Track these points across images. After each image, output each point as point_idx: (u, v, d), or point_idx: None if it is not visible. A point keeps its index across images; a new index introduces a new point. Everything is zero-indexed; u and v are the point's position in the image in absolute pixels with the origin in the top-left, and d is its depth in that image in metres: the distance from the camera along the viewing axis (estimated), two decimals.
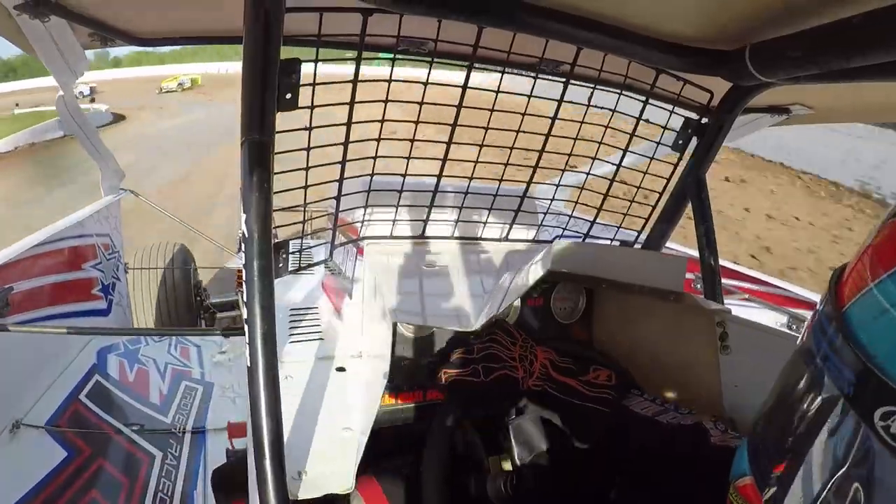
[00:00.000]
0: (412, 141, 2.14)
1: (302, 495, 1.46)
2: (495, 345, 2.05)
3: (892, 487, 0.75)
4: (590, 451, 1.91)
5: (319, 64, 1.78)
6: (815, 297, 3.63)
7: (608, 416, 1.91)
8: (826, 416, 0.83)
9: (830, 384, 0.83)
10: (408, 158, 2.20)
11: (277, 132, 1.51)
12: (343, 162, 2.07)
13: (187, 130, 28.22)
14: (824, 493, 0.83)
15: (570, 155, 2.38)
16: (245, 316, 1.47)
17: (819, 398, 0.86)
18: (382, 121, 2.05)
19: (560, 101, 2.21)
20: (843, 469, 0.80)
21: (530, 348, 2.07)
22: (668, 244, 2.83)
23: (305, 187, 2.03)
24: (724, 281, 2.76)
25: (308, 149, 1.92)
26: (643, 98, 2.33)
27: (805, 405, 0.90)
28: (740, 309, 3.86)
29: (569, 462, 1.92)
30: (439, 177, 2.28)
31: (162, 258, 5.81)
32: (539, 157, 2.33)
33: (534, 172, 2.41)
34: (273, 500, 1.39)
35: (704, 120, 2.43)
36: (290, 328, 2.48)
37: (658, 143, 2.48)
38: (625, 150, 2.43)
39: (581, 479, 1.93)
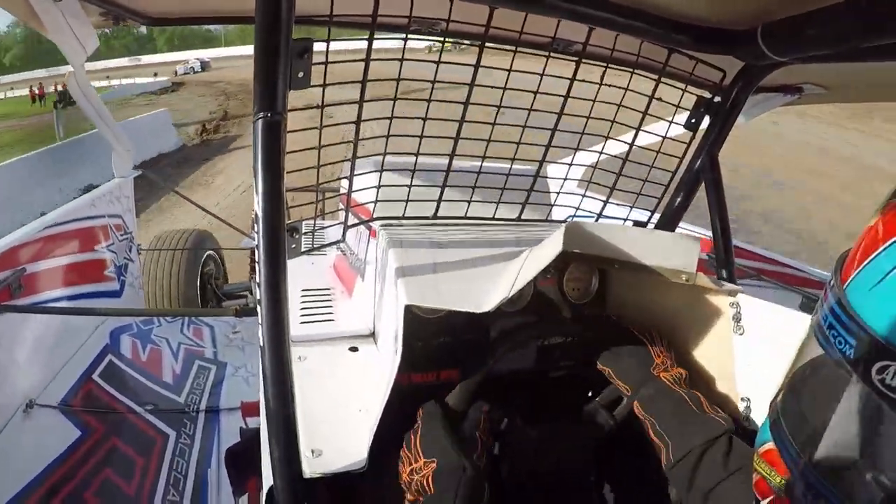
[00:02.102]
0: (424, 120, 2.14)
1: (314, 473, 1.47)
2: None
3: (892, 435, 0.88)
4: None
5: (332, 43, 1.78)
6: (829, 276, 3.62)
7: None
8: (834, 380, 0.95)
9: (834, 350, 0.95)
10: (420, 137, 2.19)
11: (289, 111, 1.51)
12: (355, 141, 2.07)
13: None
14: (835, 446, 0.95)
15: (582, 134, 2.37)
16: (258, 296, 1.47)
17: (827, 365, 0.99)
18: (395, 99, 2.05)
19: (572, 80, 2.20)
20: (852, 424, 0.93)
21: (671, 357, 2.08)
22: (681, 224, 2.82)
23: (318, 167, 2.03)
24: (737, 261, 2.75)
25: (320, 128, 1.92)
26: (655, 77, 2.32)
27: (817, 373, 1.04)
28: (754, 289, 3.87)
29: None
30: (451, 156, 2.28)
31: (176, 244, 5.82)
32: (552, 137, 2.33)
33: (546, 151, 2.40)
34: (286, 478, 1.40)
35: (717, 99, 2.42)
36: (303, 309, 2.49)
37: (671, 122, 2.47)
38: (637, 129, 2.42)
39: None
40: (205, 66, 70.89)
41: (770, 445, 1.11)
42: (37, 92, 51.23)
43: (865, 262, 0.93)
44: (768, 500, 1.12)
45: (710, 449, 1.62)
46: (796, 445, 1.02)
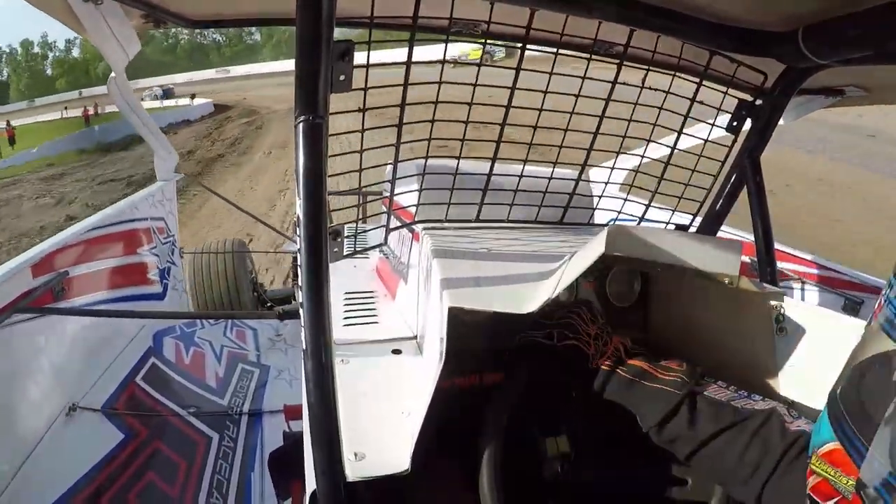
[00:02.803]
0: (466, 123, 2.14)
1: (358, 476, 1.47)
2: (575, 317, 2.06)
3: None
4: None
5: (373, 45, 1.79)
6: (872, 279, 3.59)
7: (677, 399, 1.91)
8: None
9: None
10: (462, 141, 2.20)
11: (331, 113, 1.52)
12: (397, 145, 2.08)
13: None
14: None
15: (624, 137, 2.37)
16: (300, 299, 1.48)
17: None
18: (436, 102, 2.05)
19: (614, 83, 2.20)
20: None
21: (607, 332, 2.07)
22: (724, 227, 2.81)
23: (360, 170, 2.04)
24: (779, 264, 2.74)
25: (362, 130, 1.93)
26: (697, 80, 2.31)
27: (888, 369, 0.98)
28: (796, 292, 3.84)
29: (630, 445, 1.91)
30: (493, 160, 2.28)
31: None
32: (593, 140, 2.33)
33: (588, 155, 2.40)
34: (329, 481, 1.41)
35: (759, 102, 2.41)
36: (346, 312, 2.50)
37: (712, 125, 2.46)
38: (679, 132, 2.42)
39: (642, 462, 1.93)
40: (168, 92, 70.08)
41: (833, 445, 1.08)
42: (91, 112, 50.61)
43: None
44: (834, 500, 1.09)
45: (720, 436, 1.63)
46: (866, 444, 0.98)
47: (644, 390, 1.84)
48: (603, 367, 1.93)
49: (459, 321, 1.79)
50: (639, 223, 2.61)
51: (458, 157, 2.26)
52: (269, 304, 6.13)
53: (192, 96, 50.58)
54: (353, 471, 1.46)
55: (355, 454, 1.54)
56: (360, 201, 2.25)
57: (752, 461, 1.51)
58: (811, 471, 1.15)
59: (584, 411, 2.04)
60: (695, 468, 1.81)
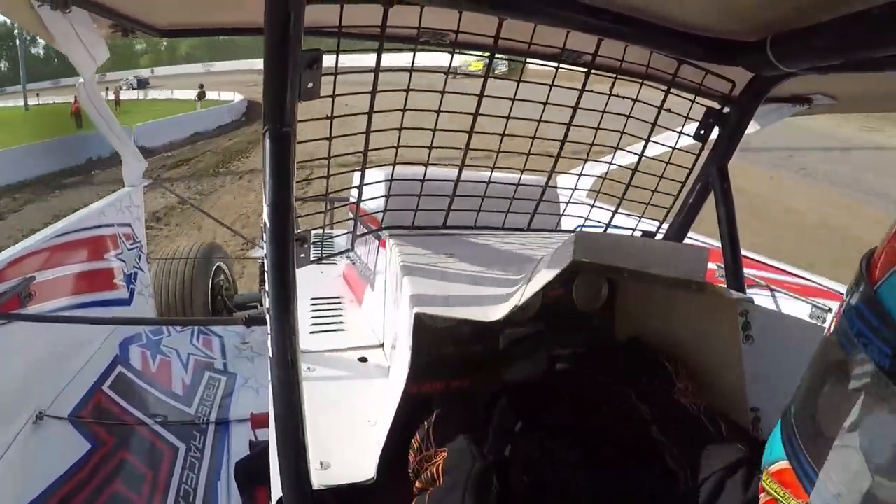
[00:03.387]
0: (434, 131, 2.15)
1: (323, 485, 1.47)
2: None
3: None
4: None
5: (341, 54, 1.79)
6: (838, 287, 3.62)
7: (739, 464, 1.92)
8: (866, 391, 0.86)
9: (867, 360, 0.86)
10: (430, 148, 2.20)
11: (299, 122, 1.52)
12: (365, 152, 2.08)
13: None
14: (870, 465, 0.84)
15: (591, 145, 2.38)
16: (267, 306, 1.48)
17: (857, 374, 0.88)
18: (404, 110, 2.05)
19: (581, 91, 2.22)
20: (887, 439, 0.83)
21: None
22: (690, 234, 2.83)
23: (327, 177, 2.04)
24: (746, 271, 2.76)
25: (329, 138, 1.93)
26: (665, 88, 2.32)
27: (844, 384, 0.92)
28: (763, 299, 3.86)
29: (621, 445, 1.92)
30: (461, 167, 2.29)
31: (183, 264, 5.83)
32: (561, 147, 2.34)
33: (556, 162, 2.41)
34: (295, 490, 1.40)
35: (726, 109, 2.42)
36: (312, 318, 2.50)
37: (680, 133, 2.48)
38: (647, 140, 2.44)
39: (632, 462, 1.93)
40: (142, 83, 69.70)
41: (783, 465, 1.03)
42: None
43: None
44: None
45: (728, 476, 1.61)
46: (816, 467, 0.94)
47: (708, 435, 1.82)
48: (683, 400, 1.93)
49: (426, 328, 1.79)
50: (605, 229, 2.63)
51: (426, 164, 2.27)
52: (232, 312, 6.10)
53: (201, 87, 46.40)
54: (319, 479, 1.46)
55: (321, 463, 1.53)
56: (327, 207, 2.24)
57: (753, 492, 1.49)
58: (762, 488, 1.11)
59: (572, 411, 2.04)
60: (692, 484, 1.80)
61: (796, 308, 3.72)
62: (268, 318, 1.47)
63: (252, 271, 8.22)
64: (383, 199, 2.33)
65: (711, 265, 2.33)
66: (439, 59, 2.11)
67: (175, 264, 5.75)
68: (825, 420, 0.95)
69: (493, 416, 1.89)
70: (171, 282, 5.62)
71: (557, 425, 1.97)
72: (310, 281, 3.00)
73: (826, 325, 1.03)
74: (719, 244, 2.62)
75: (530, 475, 1.85)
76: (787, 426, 1.06)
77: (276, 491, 1.43)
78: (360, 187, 2.19)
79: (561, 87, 2.17)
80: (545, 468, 1.87)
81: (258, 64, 1.52)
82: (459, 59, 2.28)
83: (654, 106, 2.31)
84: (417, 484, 1.62)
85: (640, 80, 2.32)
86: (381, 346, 2.27)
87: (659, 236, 2.77)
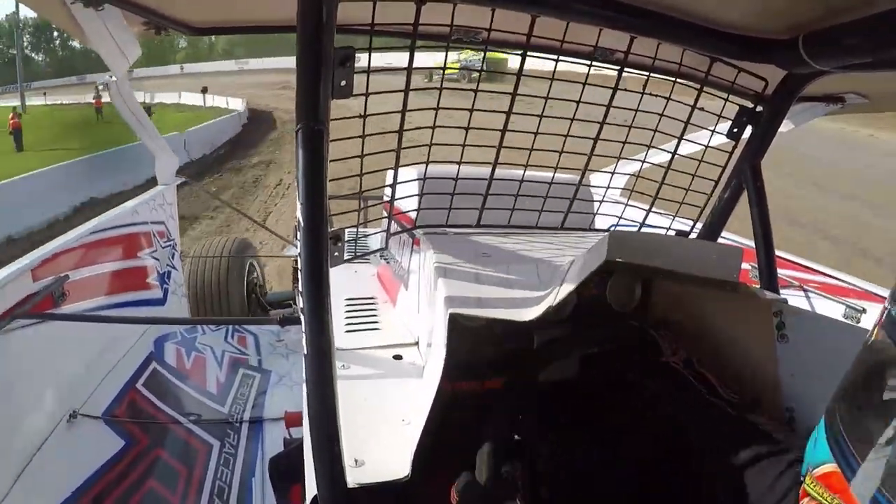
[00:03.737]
0: (467, 129, 2.15)
1: (358, 483, 1.47)
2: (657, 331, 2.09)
3: None
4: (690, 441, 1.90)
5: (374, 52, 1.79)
6: (872, 287, 3.58)
7: (728, 420, 1.92)
8: None
9: None
10: (462, 146, 2.20)
11: (332, 120, 1.52)
12: (398, 150, 2.09)
13: None
14: None
15: (624, 143, 2.37)
16: (301, 304, 1.48)
17: None
18: (437, 109, 2.06)
19: (615, 89, 2.21)
20: None
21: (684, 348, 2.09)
22: (724, 234, 2.81)
23: (361, 175, 2.04)
24: (779, 271, 2.74)
25: (363, 136, 1.94)
26: (697, 86, 2.31)
27: (890, 385, 0.91)
28: (796, 299, 3.83)
29: (628, 436, 1.92)
30: (494, 165, 2.29)
31: (219, 252, 5.82)
32: (594, 145, 2.33)
33: (588, 160, 2.40)
34: (329, 488, 1.40)
35: (759, 108, 2.41)
36: (347, 317, 2.50)
37: (713, 132, 2.46)
38: (679, 138, 2.43)
39: (637, 453, 1.92)
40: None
41: (830, 467, 1.01)
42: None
43: None
44: None
45: (757, 464, 1.60)
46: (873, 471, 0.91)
47: (703, 399, 1.84)
48: (673, 363, 1.94)
49: (460, 327, 1.79)
50: (639, 229, 2.62)
51: (459, 163, 2.27)
52: (266, 309, 6.10)
53: (204, 90, 45.22)
54: (354, 477, 1.46)
55: (356, 460, 1.53)
56: (361, 206, 2.25)
57: (781, 490, 1.49)
58: (805, 492, 1.09)
59: (580, 403, 2.04)
60: (721, 484, 1.80)
61: (830, 308, 3.69)
62: (302, 316, 1.47)
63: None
64: (417, 198, 2.33)
65: (745, 265, 2.31)
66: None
67: (210, 262, 5.76)
68: (875, 421, 0.93)
69: (521, 427, 1.90)
70: (206, 280, 5.64)
71: (588, 436, 1.98)
72: (344, 280, 3.01)
73: (861, 325, 1.02)
74: (752, 244, 2.61)
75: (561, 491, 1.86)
76: (833, 427, 1.03)
77: (311, 488, 1.43)
78: (393, 186, 2.20)
79: (594, 85, 2.17)
80: (575, 483, 1.88)
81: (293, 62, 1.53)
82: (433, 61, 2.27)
83: (687, 104, 2.30)
84: None
85: (673, 79, 2.31)
86: (416, 344, 2.27)
87: (693, 235, 2.75)
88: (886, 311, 0.97)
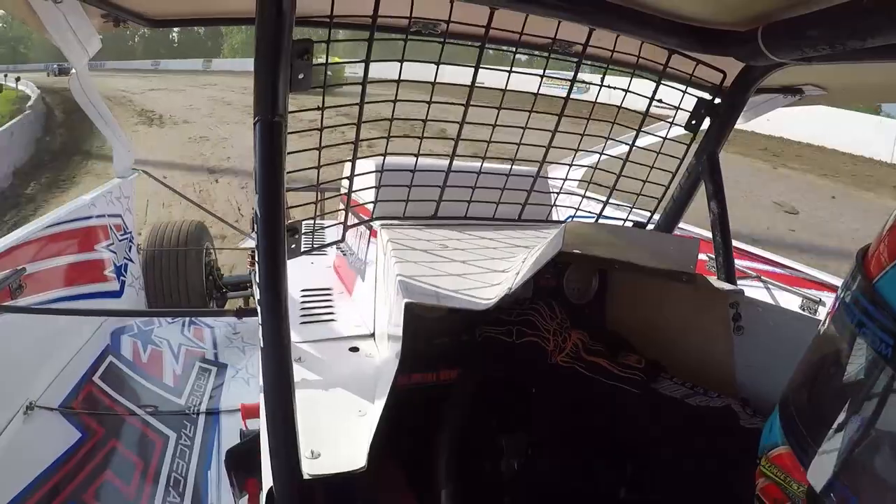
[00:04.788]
0: (424, 121, 2.15)
1: (314, 474, 1.46)
2: (534, 314, 2.07)
3: None
4: (611, 430, 1.91)
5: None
6: (829, 279, 3.63)
7: (636, 397, 1.92)
8: (868, 378, 0.88)
9: (868, 348, 0.89)
10: (420, 139, 2.20)
11: (290, 112, 1.51)
12: (356, 142, 2.08)
13: None
14: (872, 448, 0.88)
15: (582, 135, 2.38)
16: (258, 297, 1.48)
17: (858, 363, 0.91)
18: (395, 101, 2.06)
19: (573, 82, 2.21)
20: (888, 422, 0.86)
21: (566, 328, 2.09)
22: (681, 225, 2.83)
23: (318, 167, 2.03)
24: (737, 262, 2.76)
25: (321, 129, 1.93)
26: (655, 78, 2.32)
27: (846, 371, 0.94)
28: (754, 290, 3.87)
29: (587, 441, 1.92)
30: (452, 157, 2.29)
31: (176, 236, 5.77)
32: (552, 138, 2.33)
33: (546, 153, 2.41)
34: (285, 479, 1.40)
35: (717, 100, 2.42)
36: (303, 309, 2.49)
37: (671, 124, 2.47)
38: (638, 131, 2.44)
39: (599, 458, 1.93)
40: (63, 70, 68.37)
41: (783, 449, 1.06)
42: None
43: None
44: None
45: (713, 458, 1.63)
46: (818, 449, 0.96)
47: (602, 387, 1.85)
48: (561, 362, 1.94)
49: (416, 317, 1.79)
50: (596, 220, 2.62)
51: (417, 155, 2.26)
52: (223, 290, 6.07)
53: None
54: (310, 468, 1.45)
55: (312, 452, 1.52)
56: (318, 198, 2.24)
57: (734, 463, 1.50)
58: (760, 472, 1.13)
59: (542, 407, 2.04)
60: (651, 462, 1.81)
61: (787, 299, 3.73)
62: (259, 308, 1.46)
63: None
64: (374, 190, 2.33)
65: (702, 256, 2.33)
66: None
67: (168, 250, 5.69)
68: (827, 405, 0.97)
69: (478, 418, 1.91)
70: (163, 265, 5.58)
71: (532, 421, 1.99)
72: (300, 271, 3.00)
73: (818, 316, 1.05)
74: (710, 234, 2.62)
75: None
76: (787, 412, 1.08)
77: (267, 480, 1.43)
78: (350, 178, 2.19)
79: (552, 76, 2.17)
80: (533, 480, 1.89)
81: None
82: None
83: (645, 97, 2.31)
84: None
85: (632, 71, 2.31)
86: (372, 335, 2.27)
87: (650, 227, 2.77)
88: (839, 300, 1.00)
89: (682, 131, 2.52)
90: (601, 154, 2.63)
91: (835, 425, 0.93)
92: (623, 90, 2.25)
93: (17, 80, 39.66)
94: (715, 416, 1.78)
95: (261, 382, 1.45)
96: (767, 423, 1.16)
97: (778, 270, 3.93)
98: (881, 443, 0.87)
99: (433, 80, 2.05)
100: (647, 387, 1.95)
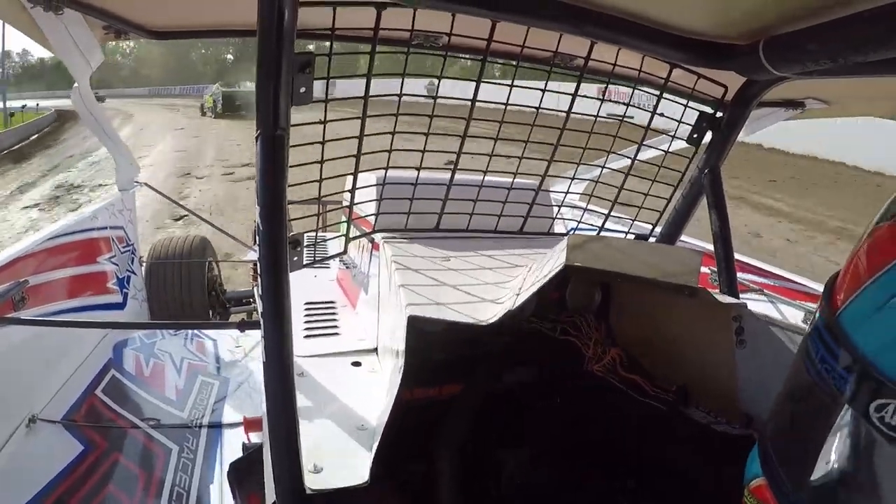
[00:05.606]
0: (426, 135, 2.15)
1: (317, 489, 1.46)
2: (582, 320, 2.08)
3: (891, 475, 0.81)
4: (630, 446, 1.91)
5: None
6: None
7: (663, 417, 1.93)
8: (828, 415, 0.88)
9: (829, 385, 0.88)
10: (423, 152, 2.20)
11: (292, 125, 1.51)
12: (358, 155, 2.08)
13: None
14: (835, 486, 0.87)
15: (584, 148, 2.38)
16: (260, 310, 1.47)
17: (820, 399, 0.91)
18: (397, 115, 2.06)
19: (574, 95, 2.22)
20: (849, 462, 0.85)
21: (608, 343, 2.09)
22: (683, 238, 2.83)
23: (320, 181, 2.04)
24: (739, 275, 2.75)
25: (323, 142, 1.93)
26: (657, 92, 2.32)
27: (808, 407, 0.95)
28: (756, 303, 3.86)
29: (592, 455, 1.92)
30: (454, 170, 2.29)
31: (180, 252, 5.76)
32: (554, 151, 2.34)
33: (549, 166, 2.41)
34: (287, 494, 1.40)
35: (719, 113, 2.42)
36: (306, 322, 2.49)
37: (673, 137, 2.47)
38: (640, 144, 2.44)
39: (604, 473, 1.93)
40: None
41: (761, 481, 1.06)
42: None
43: (862, 288, 0.86)
44: None
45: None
46: (790, 485, 0.96)
47: (633, 402, 1.86)
48: (597, 370, 1.95)
49: (419, 332, 1.79)
50: (598, 233, 2.62)
51: (419, 168, 2.26)
52: (227, 306, 6.05)
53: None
54: (312, 483, 1.45)
55: (314, 466, 1.52)
56: (320, 210, 2.25)
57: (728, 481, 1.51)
58: (743, 502, 1.13)
59: (545, 422, 2.04)
60: (665, 483, 1.81)
61: (789, 313, 3.72)
62: (261, 321, 1.46)
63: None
64: (376, 203, 2.33)
65: (705, 269, 2.33)
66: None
67: (171, 264, 5.67)
68: (796, 440, 0.98)
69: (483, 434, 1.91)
70: (167, 281, 5.57)
71: (542, 437, 1.99)
72: (303, 285, 3.00)
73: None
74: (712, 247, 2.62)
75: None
76: (764, 445, 1.08)
77: (270, 494, 1.43)
78: (352, 191, 2.19)
79: (554, 91, 2.17)
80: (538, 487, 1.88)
81: None
82: None
83: (646, 110, 2.31)
84: None
85: (633, 85, 2.32)
86: (375, 350, 2.26)
87: (652, 240, 2.76)
88: (808, 331, 1.00)
89: (684, 144, 2.52)
90: (603, 167, 2.63)
91: (800, 461, 0.93)
92: (624, 104, 2.26)
93: (37, 104, 41.76)
94: (730, 441, 1.78)
95: (263, 396, 1.45)
96: (751, 454, 1.15)
97: (780, 284, 3.92)
98: (844, 480, 0.87)
99: (435, 95, 2.05)
100: (676, 408, 1.95)
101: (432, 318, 1.78)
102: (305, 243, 2.06)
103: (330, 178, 2.06)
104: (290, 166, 1.53)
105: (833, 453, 0.87)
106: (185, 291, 5.56)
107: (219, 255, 6.58)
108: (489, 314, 1.78)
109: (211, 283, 5.96)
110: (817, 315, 0.98)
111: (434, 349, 2.04)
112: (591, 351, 2.07)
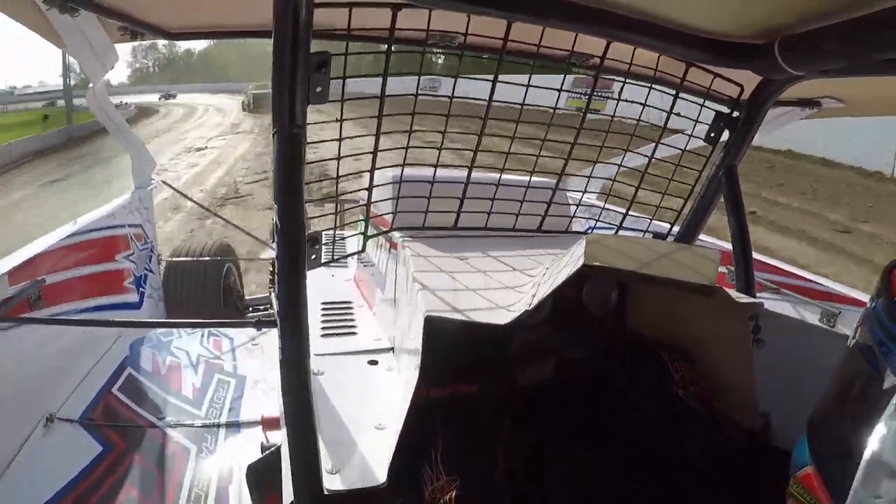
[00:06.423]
0: (443, 133, 2.15)
1: (335, 489, 1.46)
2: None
3: None
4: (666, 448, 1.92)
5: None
6: (849, 292, 3.60)
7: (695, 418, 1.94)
8: (886, 400, 0.85)
9: (888, 369, 0.87)
10: (439, 149, 2.20)
11: (308, 124, 1.52)
12: (374, 153, 2.08)
13: None
14: (891, 476, 0.83)
15: (602, 147, 2.38)
16: (277, 308, 1.48)
17: (881, 385, 0.89)
18: (413, 113, 2.06)
19: (591, 95, 2.22)
20: None
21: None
22: (701, 237, 2.82)
23: (337, 179, 2.04)
24: (756, 274, 2.74)
25: (339, 139, 1.94)
26: (673, 91, 2.32)
27: (868, 393, 0.93)
28: (773, 303, 3.85)
29: (601, 439, 1.92)
30: (471, 168, 2.29)
31: (198, 254, 5.76)
32: (571, 149, 2.33)
33: (566, 164, 2.41)
34: (305, 494, 1.40)
35: (736, 113, 2.42)
36: (323, 321, 2.49)
37: (690, 136, 2.47)
38: (657, 143, 2.43)
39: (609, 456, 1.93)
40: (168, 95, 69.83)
41: (809, 470, 1.05)
42: None
43: None
44: None
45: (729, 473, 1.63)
46: (843, 473, 0.92)
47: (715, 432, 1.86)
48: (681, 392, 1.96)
49: (436, 331, 1.79)
50: (616, 232, 2.62)
51: (436, 166, 2.26)
52: (244, 314, 6.04)
53: None
54: (330, 484, 1.45)
55: (332, 466, 1.52)
56: (338, 209, 2.25)
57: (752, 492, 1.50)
58: (789, 493, 1.12)
59: (581, 421, 2.05)
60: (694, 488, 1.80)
61: (806, 312, 3.71)
62: (278, 319, 1.46)
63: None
64: (393, 201, 2.33)
65: (722, 268, 2.31)
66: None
67: (188, 265, 5.70)
68: (852, 428, 0.95)
69: (501, 430, 1.90)
70: (183, 282, 5.58)
71: (567, 438, 1.98)
72: (321, 284, 3.00)
73: (837, 328, 1.03)
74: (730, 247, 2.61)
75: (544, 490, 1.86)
76: (814, 433, 1.07)
77: (288, 495, 1.43)
78: (370, 189, 2.19)
79: (570, 91, 2.17)
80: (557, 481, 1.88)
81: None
82: None
83: (663, 110, 2.31)
84: None
85: (649, 84, 2.31)
86: (392, 349, 2.26)
87: (670, 238, 2.76)
88: (864, 317, 0.98)
89: (701, 143, 2.51)
90: (620, 166, 2.62)
91: (856, 448, 0.90)
92: (640, 104, 2.25)
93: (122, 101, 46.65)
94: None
95: (280, 395, 1.46)
96: (798, 443, 1.14)
97: (797, 283, 3.91)
98: None
99: (451, 94, 2.05)
100: (756, 444, 1.95)
101: (449, 318, 1.78)
102: (323, 241, 2.06)
103: (347, 175, 2.06)
104: (307, 163, 1.53)
105: (890, 437, 0.84)
106: (201, 296, 5.56)
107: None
108: (506, 314, 1.78)
109: (228, 290, 5.95)
110: (875, 300, 0.97)
111: (451, 348, 2.03)
112: (678, 372, 2.06)
